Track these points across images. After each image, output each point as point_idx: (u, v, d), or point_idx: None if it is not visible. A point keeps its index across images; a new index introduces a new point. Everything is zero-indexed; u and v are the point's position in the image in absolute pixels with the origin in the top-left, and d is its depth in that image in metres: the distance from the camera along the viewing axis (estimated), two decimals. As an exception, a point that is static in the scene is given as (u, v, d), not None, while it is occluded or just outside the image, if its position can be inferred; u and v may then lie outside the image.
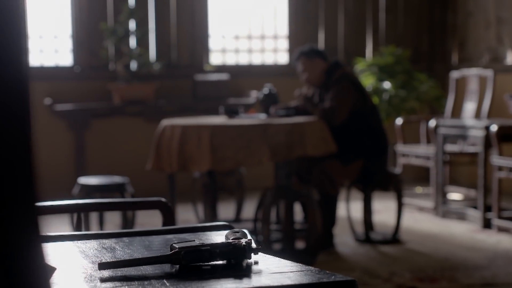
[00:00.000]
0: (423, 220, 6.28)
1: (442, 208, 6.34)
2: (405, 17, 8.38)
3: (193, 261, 1.40)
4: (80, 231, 2.10)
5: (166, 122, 5.20)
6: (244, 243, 1.43)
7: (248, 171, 6.74)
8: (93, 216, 5.72)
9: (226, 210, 6.53)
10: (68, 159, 7.44)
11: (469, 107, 6.83)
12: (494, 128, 5.71)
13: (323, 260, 5.00)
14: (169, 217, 2.20)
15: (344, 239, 5.55)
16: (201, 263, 1.41)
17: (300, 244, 5.20)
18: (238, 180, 6.08)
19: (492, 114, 6.96)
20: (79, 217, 2.09)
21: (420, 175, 8.10)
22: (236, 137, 4.88)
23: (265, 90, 5.47)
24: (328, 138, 5.13)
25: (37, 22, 7.51)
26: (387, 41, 8.28)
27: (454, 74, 7.08)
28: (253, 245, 1.47)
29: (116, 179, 5.07)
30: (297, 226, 5.46)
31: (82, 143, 7.43)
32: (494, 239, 5.52)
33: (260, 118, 5.23)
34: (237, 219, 6.00)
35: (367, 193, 5.52)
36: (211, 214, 5.25)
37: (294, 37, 8.11)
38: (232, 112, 5.35)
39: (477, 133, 5.91)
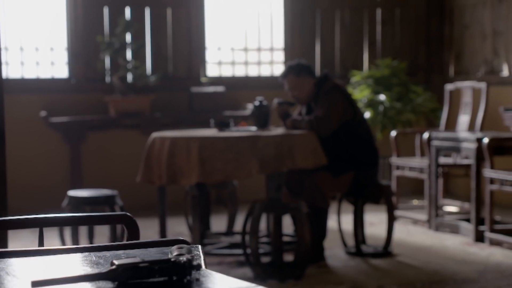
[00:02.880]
0: (416, 233, 6.25)
1: (436, 221, 6.32)
2: (401, 29, 8.37)
3: (131, 278, 1.39)
4: (42, 246, 2.10)
5: (155, 134, 5.20)
6: (184, 260, 1.42)
7: (242, 183, 6.73)
8: (83, 230, 5.71)
9: (219, 222, 6.52)
10: (63, 171, 7.45)
11: (463, 119, 6.81)
12: (485, 140, 5.69)
13: (312, 273, 4.98)
14: (133, 231, 2.19)
15: (335, 252, 5.53)
16: (140, 280, 1.41)
17: (289, 257, 5.18)
18: (231, 192, 6.07)
19: (488, 126, 6.94)
20: (41, 231, 2.08)
21: (417, 188, 8.08)
22: (225, 149, 4.89)
23: (256, 103, 5.47)
24: (318, 150, 5.13)
25: (33, 35, 7.53)
26: (383, 54, 8.27)
27: (449, 87, 7.07)
28: (198, 262, 1.47)
29: (105, 191, 5.07)
30: (287, 239, 5.45)
31: (78, 156, 7.43)
32: (486, 252, 5.49)
33: (250, 131, 5.22)
34: (230, 232, 5.99)
35: (358, 205, 5.51)
36: (201, 227, 5.25)
37: (291, 49, 8.11)
38: (222, 124, 5.35)
39: (469, 146, 5.89)
